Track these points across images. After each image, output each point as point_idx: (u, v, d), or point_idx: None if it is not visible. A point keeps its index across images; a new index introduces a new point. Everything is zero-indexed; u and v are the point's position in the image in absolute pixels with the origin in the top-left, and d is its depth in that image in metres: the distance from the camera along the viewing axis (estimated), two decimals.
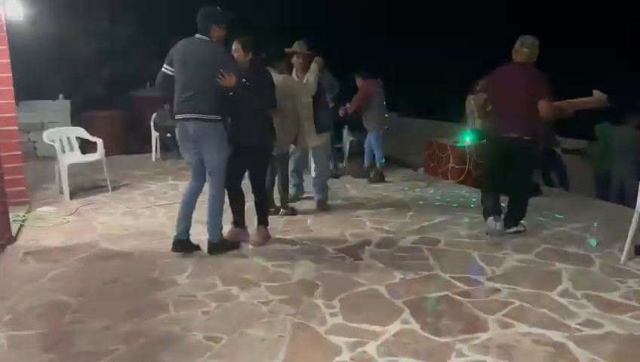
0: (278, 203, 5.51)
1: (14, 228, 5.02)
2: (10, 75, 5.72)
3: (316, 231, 5.03)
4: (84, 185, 6.97)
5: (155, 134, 8.96)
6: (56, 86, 9.96)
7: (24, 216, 5.45)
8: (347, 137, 8.54)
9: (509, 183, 4.82)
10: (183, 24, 4.59)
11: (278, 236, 4.83)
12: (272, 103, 4.48)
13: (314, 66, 5.32)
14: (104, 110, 9.72)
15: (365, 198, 6.30)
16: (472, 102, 7.35)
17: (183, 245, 4.31)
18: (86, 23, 11.04)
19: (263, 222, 4.68)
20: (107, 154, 9.14)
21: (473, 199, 6.18)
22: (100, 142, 6.77)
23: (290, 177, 5.76)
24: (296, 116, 5.29)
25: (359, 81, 7.33)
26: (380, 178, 7.24)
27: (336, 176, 7.48)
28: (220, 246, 4.36)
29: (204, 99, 4.04)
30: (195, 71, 4.05)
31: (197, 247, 4.38)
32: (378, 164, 7.31)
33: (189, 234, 4.33)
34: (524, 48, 4.50)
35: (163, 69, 4.14)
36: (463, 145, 7.20)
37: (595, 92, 4.47)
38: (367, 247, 4.52)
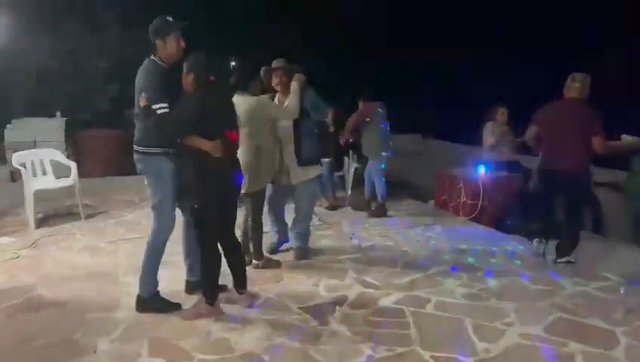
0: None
1: None
2: None
3: (287, 280, 4.30)
4: (59, 212, 6.45)
5: None
6: (55, 103, 9.62)
7: None
8: (351, 164, 7.80)
9: (560, 214, 4.86)
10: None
11: None
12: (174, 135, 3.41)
13: (294, 85, 4.41)
14: (101, 129, 9.28)
15: (368, 241, 5.51)
16: (489, 129, 6.56)
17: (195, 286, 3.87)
18: (87, 41, 10.76)
19: (205, 294, 3.64)
20: (103, 174, 8.80)
21: (479, 244, 5.34)
22: (73, 166, 6.26)
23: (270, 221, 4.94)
24: (275, 147, 4.57)
25: (361, 104, 6.64)
26: (381, 212, 6.47)
27: (334, 208, 6.75)
28: (149, 302, 3.64)
29: (140, 127, 3.45)
30: (135, 97, 3.47)
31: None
32: (379, 197, 6.55)
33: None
34: (576, 84, 4.59)
35: None
36: (477, 177, 6.37)
37: (624, 136, 4.70)
38: (338, 307, 3.76)
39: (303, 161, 4.62)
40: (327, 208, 6.76)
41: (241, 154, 4.12)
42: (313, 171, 4.73)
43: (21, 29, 10.17)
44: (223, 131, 3.42)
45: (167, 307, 3.64)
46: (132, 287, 3.89)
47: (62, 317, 3.61)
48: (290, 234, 4.91)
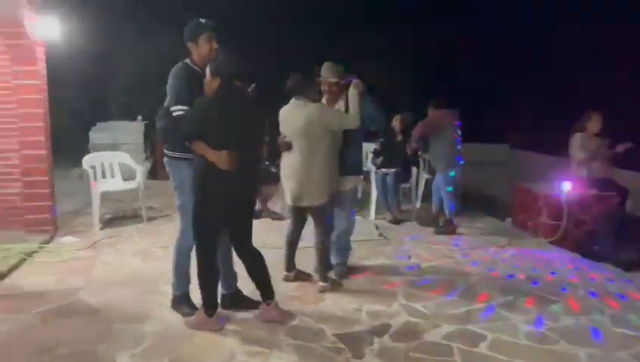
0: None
1: (11, 262, 4.65)
2: (42, 96, 5.45)
3: (329, 301, 3.96)
4: (126, 214, 6.58)
5: None
6: (140, 107, 10.02)
7: (39, 247, 5.10)
8: (422, 175, 7.29)
9: None
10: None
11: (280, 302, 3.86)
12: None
13: (353, 92, 4.09)
14: None
15: (417, 257, 5.06)
16: (579, 141, 5.80)
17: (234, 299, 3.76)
18: (175, 45, 11.10)
19: (203, 304, 3.46)
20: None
21: (557, 272, 4.68)
22: (139, 169, 6.35)
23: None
24: (336, 157, 4.17)
25: (430, 111, 6.15)
26: (449, 229, 5.94)
27: (397, 222, 6.31)
28: (179, 301, 3.68)
29: None
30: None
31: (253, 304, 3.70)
32: (447, 212, 6.02)
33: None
34: None
35: None
36: (561, 194, 5.65)
37: None
38: (377, 338, 3.36)
39: (346, 170, 4.26)
40: (390, 221, 6.34)
41: (296, 164, 3.97)
42: (351, 182, 4.34)
43: (111, 33, 10.73)
44: (232, 142, 3.20)
45: (191, 312, 3.56)
46: (168, 298, 3.78)
47: (91, 325, 3.53)
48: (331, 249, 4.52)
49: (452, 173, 6.01)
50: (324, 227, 4.17)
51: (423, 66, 12.46)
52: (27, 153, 5.45)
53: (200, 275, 3.38)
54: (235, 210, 3.38)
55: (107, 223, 6.14)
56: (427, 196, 7.14)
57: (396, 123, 6.62)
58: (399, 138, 6.60)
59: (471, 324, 3.57)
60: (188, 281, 3.67)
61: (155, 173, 9.12)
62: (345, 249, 4.51)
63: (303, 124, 3.93)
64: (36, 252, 5.03)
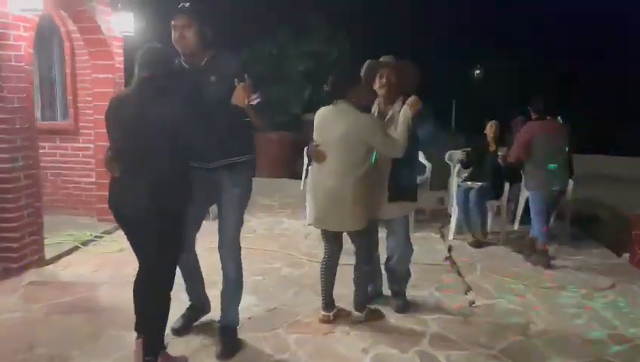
0: None
1: (63, 249, 4.81)
2: (117, 90, 5.60)
3: (339, 334, 3.37)
4: None
5: (306, 160, 8.20)
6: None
7: (96, 236, 5.25)
8: (523, 191, 6.23)
9: None
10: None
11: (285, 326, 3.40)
12: None
13: (406, 112, 3.32)
14: (276, 131, 9.42)
15: (479, 292, 4.20)
16: None
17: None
18: (290, 45, 11.14)
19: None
20: (269, 175, 8.89)
21: None
22: None
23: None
24: (377, 176, 3.46)
25: (518, 122, 5.20)
26: (540, 260, 4.90)
27: (479, 245, 5.40)
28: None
29: None
30: None
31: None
32: (540, 240, 4.99)
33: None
34: None
35: None
36: None
37: None
38: None
39: (394, 196, 3.52)
40: (470, 244, 5.46)
41: (328, 182, 3.33)
42: (401, 210, 3.61)
43: (227, 32, 11.01)
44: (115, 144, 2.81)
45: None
46: (181, 307, 3.51)
47: (84, 327, 3.41)
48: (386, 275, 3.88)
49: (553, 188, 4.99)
50: (362, 251, 3.54)
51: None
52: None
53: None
54: (127, 225, 2.85)
55: None
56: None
57: (489, 130, 5.70)
58: (492, 148, 5.67)
59: None
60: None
61: None
62: (403, 278, 3.82)
63: (340, 133, 3.24)
64: (92, 241, 5.17)
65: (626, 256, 5.24)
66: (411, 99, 3.37)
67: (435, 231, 5.94)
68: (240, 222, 3.13)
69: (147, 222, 2.72)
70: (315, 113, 3.46)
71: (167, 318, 2.91)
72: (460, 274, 4.59)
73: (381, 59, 3.61)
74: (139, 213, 2.71)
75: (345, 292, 3.73)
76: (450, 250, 5.28)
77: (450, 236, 5.70)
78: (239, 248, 3.14)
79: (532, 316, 3.76)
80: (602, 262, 5.10)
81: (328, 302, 3.55)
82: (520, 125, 6.73)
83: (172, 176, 2.73)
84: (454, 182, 5.94)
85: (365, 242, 3.53)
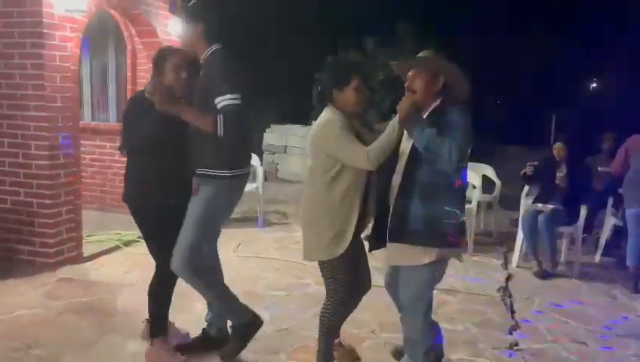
0: None
1: (104, 247, 4.87)
2: None
3: None
4: (249, 216, 6.38)
5: None
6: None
7: (133, 236, 5.23)
8: (607, 217, 5.41)
9: None
10: None
11: None
12: None
13: (394, 121, 2.49)
14: None
15: (531, 333, 3.59)
16: None
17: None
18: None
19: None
20: None
21: None
22: (260, 170, 6.11)
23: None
24: (350, 202, 2.66)
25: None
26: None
27: (543, 276, 4.72)
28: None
29: None
30: None
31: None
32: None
33: None
34: None
35: None
36: None
37: None
38: None
39: (393, 238, 2.53)
40: (534, 274, 4.79)
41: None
42: (418, 256, 2.48)
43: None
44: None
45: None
46: (193, 318, 3.35)
47: (86, 330, 3.34)
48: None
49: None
50: (329, 293, 2.76)
51: None
52: None
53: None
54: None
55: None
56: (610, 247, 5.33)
57: (558, 152, 5.03)
58: (562, 172, 5.00)
59: None
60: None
61: None
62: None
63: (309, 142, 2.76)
64: (135, 242, 5.18)
65: None
66: (407, 99, 2.45)
67: (497, 256, 5.31)
68: (195, 241, 2.73)
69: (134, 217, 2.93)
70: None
71: (168, 306, 2.98)
72: (511, 309, 3.99)
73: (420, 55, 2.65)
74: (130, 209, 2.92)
75: (367, 317, 3.35)
76: (508, 279, 4.66)
77: (514, 264, 5.05)
78: (195, 270, 2.76)
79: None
80: None
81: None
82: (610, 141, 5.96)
83: (149, 174, 2.78)
84: (522, 202, 5.28)
85: (330, 282, 2.72)
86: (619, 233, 5.29)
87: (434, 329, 2.69)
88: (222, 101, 2.55)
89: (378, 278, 3.02)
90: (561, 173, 5.00)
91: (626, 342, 3.51)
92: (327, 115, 2.67)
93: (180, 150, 2.75)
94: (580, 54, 14.76)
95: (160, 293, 2.94)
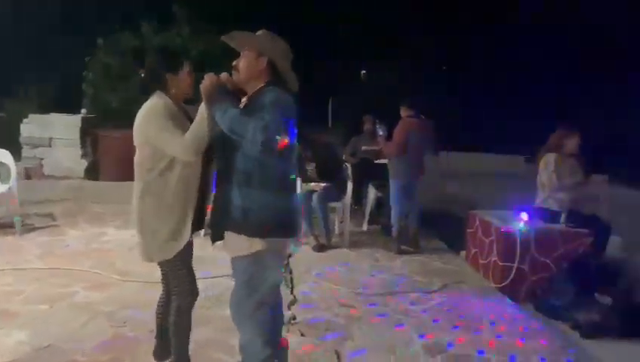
0: None
1: None
2: None
3: None
4: (4, 222, 5.46)
5: None
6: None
7: None
8: (370, 191, 6.06)
9: None
10: None
11: None
12: None
13: (207, 94, 2.33)
14: (118, 129, 8.45)
15: (304, 300, 3.84)
16: (551, 163, 4.48)
17: None
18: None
19: None
20: (120, 178, 7.98)
21: (473, 331, 3.36)
22: (13, 169, 5.31)
23: None
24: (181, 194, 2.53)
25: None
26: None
27: (321, 248, 5.09)
28: None
29: None
30: None
31: None
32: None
33: None
34: None
35: None
36: (517, 228, 4.31)
37: None
38: None
39: (220, 227, 2.35)
40: (313, 248, 5.13)
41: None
42: (244, 246, 2.28)
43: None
44: None
45: None
46: None
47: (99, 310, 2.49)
48: None
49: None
50: (174, 291, 2.61)
51: None
52: None
53: None
54: None
55: None
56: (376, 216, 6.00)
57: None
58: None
59: None
60: None
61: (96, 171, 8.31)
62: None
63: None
64: None
65: (464, 253, 5.22)
66: (203, 81, 2.32)
67: None
68: None
69: None
70: None
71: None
72: (291, 284, 4.20)
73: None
74: None
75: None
76: (289, 256, 4.89)
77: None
78: None
79: (354, 329, 3.44)
80: (439, 260, 5.05)
81: (159, 348, 2.77)
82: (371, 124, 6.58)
83: None
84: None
85: (170, 281, 2.61)
86: (380, 204, 5.99)
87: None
88: None
89: None
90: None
91: (387, 298, 3.99)
92: (152, 100, 2.49)
93: None
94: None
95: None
